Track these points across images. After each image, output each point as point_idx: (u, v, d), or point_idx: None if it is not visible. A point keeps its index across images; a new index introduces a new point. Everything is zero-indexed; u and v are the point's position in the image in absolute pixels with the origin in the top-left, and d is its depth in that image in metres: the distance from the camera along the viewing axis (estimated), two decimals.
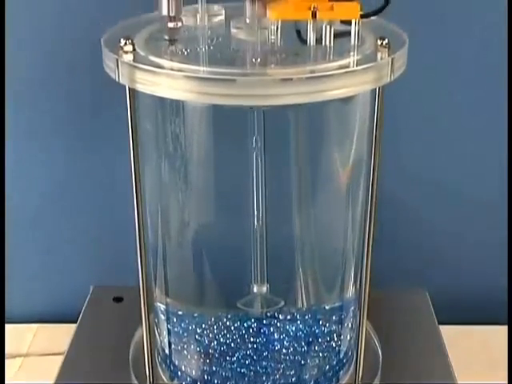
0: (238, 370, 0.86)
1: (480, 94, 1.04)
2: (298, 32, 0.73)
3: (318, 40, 0.71)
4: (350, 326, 0.89)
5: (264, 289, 0.88)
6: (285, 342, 0.87)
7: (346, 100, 0.76)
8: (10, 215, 1.01)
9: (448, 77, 1.03)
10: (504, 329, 0.94)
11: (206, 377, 0.87)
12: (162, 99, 0.73)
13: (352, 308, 0.89)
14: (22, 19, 0.98)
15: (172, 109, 0.78)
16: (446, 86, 1.03)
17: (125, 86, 0.70)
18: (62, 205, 1.10)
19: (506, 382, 0.89)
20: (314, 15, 0.69)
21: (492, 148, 1.06)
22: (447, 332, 0.98)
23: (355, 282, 0.87)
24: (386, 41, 0.69)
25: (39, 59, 1.01)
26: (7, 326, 0.93)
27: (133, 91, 0.70)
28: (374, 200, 0.77)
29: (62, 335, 1.03)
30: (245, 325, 0.88)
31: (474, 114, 1.05)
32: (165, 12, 0.72)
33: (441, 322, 1.00)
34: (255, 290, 0.88)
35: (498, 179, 1.07)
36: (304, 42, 0.72)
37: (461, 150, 1.07)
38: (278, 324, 0.88)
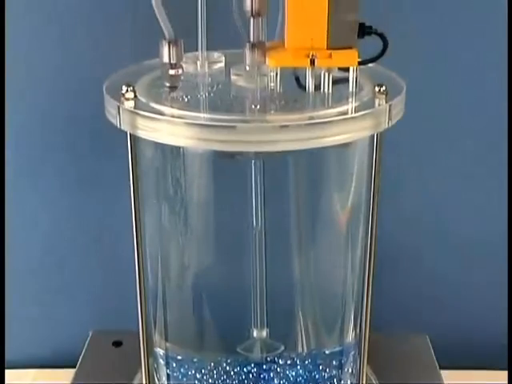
0: None
1: (479, 138, 1.05)
2: (297, 79, 0.74)
3: (317, 86, 0.72)
4: (350, 371, 0.89)
5: (264, 333, 0.88)
6: None
7: (345, 145, 0.76)
8: (10, 260, 1.01)
9: (447, 121, 1.03)
10: (504, 374, 0.94)
11: None
12: (162, 144, 0.73)
13: (352, 353, 0.88)
14: (22, 66, 0.99)
15: (173, 154, 0.79)
16: (445, 130, 1.04)
17: (126, 132, 0.71)
18: (62, 249, 1.10)
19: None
20: (312, 63, 0.70)
21: (492, 191, 1.07)
22: (448, 376, 0.98)
23: (355, 326, 0.87)
24: (384, 87, 0.70)
25: (40, 104, 1.02)
26: (6, 372, 0.92)
27: (134, 137, 0.71)
28: (373, 243, 0.77)
29: (61, 380, 1.02)
30: (245, 370, 0.87)
31: (474, 158, 1.06)
32: (166, 59, 0.73)
33: (442, 367, 0.99)
34: (255, 334, 0.88)
35: (498, 223, 1.07)
36: (303, 88, 0.73)
37: (461, 193, 1.08)
38: (278, 369, 0.87)
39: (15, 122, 1.01)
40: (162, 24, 0.73)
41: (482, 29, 0.99)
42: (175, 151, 0.78)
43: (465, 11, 0.99)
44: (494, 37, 0.99)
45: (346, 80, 0.72)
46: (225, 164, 0.78)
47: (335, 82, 0.72)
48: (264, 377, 0.87)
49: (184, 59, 0.75)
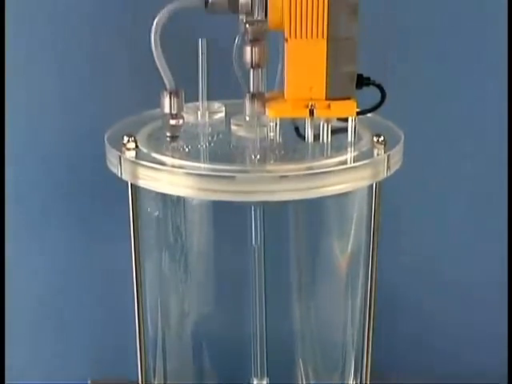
0: None
1: (477, 188, 1.05)
2: (297, 128, 0.75)
3: (316, 136, 0.73)
4: None
5: (264, 382, 0.87)
6: None
7: (344, 194, 0.77)
8: (9, 309, 1.01)
9: (445, 170, 1.04)
10: None
11: None
12: (163, 193, 0.74)
13: None
14: (22, 117, 1.00)
15: (173, 202, 0.79)
16: (444, 179, 1.05)
17: (126, 182, 0.72)
18: (61, 298, 1.10)
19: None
20: (311, 113, 0.71)
21: (491, 239, 1.07)
22: None
23: (355, 375, 0.86)
24: (382, 138, 0.71)
25: (40, 155, 1.02)
26: None
27: (135, 186, 0.72)
28: (373, 291, 0.77)
29: None
30: None
31: (473, 207, 1.07)
32: (167, 110, 0.74)
33: None
34: (255, 383, 0.87)
35: (497, 270, 1.07)
36: (302, 137, 0.74)
37: (460, 242, 1.08)
38: None
39: (16, 172, 1.02)
40: (163, 75, 0.74)
41: (479, 80, 1.01)
42: (175, 200, 0.79)
43: (461, 62, 1.01)
44: (491, 87, 1.01)
45: (345, 130, 0.73)
46: (225, 212, 0.79)
47: (334, 131, 0.73)
48: None
49: (185, 109, 0.76)
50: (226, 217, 0.79)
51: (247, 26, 0.72)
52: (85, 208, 1.04)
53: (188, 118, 0.78)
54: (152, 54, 0.73)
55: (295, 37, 0.70)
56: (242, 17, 0.72)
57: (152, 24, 0.72)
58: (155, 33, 0.72)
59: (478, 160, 1.04)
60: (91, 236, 1.06)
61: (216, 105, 0.81)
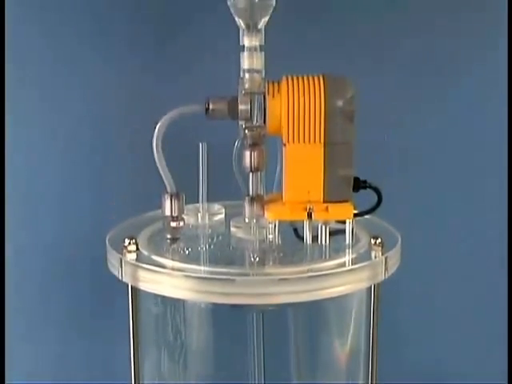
0: None
1: (477, 284, 1.06)
2: (295, 230, 0.76)
3: (314, 238, 0.74)
4: None
5: None
6: None
7: (343, 295, 0.78)
8: None
9: (444, 270, 1.05)
10: None
11: None
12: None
13: None
14: (21, 225, 1.02)
15: (173, 304, 0.79)
16: (443, 278, 1.06)
17: (127, 284, 0.72)
18: None
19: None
20: (309, 216, 0.73)
21: (493, 338, 1.07)
22: None
23: None
24: (380, 239, 0.72)
25: (40, 256, 1.03)
26: None
27: (135, 289, 0.72)
28: None
29: None
30: None
31: (473, 305, 1.07)
32: (168, 212, 0.75)
33: None
34: None
35: (498, 362, 1.06)
36: (301, 239, 0.75)
37: (460, 344, 1.08)
38: None
39: (15, 279, 1.02)
40: (164, 178, 0.76)
41: (477, 181, 1.04)
42: (175, 301, 0.79)
43: (458, 165, 1.03)
44: (489, 186, 1.03)
45: (343, 232, 0.74)
46: (225, 313, 0.79)
47: (332, 233, 0.74)
48: None
49: (185, 211, 0.77)
50: (226, 318, 0.79)
51: (246, 131, 0.74)
52: (84, 308, 1.04)
53: (188, 219, 0.79)
54: (153, 157, 0.75)
55: (293, 142, 0.72)
56: (242, 123, 0.74)
57: (153, 128, 0.75)
58: (157, 138, 0.74)
59: (477, 259, 1.04)
60: (90, 337, 1.05)
61: (216, 207, 0.83)
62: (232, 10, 0.74)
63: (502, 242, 1.03)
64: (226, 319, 0.79)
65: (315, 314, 0.80)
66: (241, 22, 0.75)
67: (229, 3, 0.74)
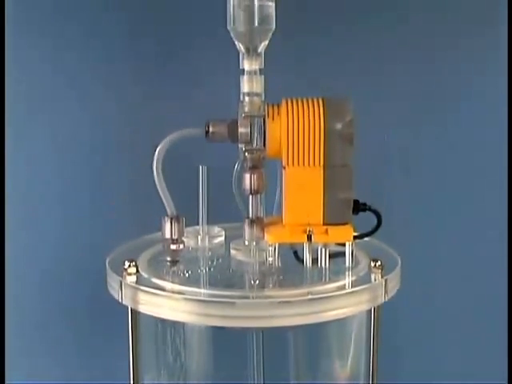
0: None
1: (477, 307, 1.06)
2: (295, 252, 0.76)
3: (314, 260, 0.74)
4: None
5: None
6: None
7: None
8: None
9: (444, 292, 1.05)
10: None
11: None
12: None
13: None
14: (21, 247, 1.02)
15: (173, 326, 0.79)
16: (443, 301, 1.06)
17: (127, 306, 0.72)
18: None
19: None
20: (309, 238, 0.73)
21: (494, 365, 1.06)
22: None
23: None
24: (379, 262, 0.72)
25: (38, 279, 1.03)
26: None
27: (135, 311, 0.72)
28: None
29: None
30: None
31: (473, 329, 1.07)
32: (168, 235, 0.75)
33: None
34: None
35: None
36: (301, 261, 0.75)
37: (461, 366, 1.08)
38: None
39: (14, 297, 1.02)
40: (164, 201, 0.76)
41: (477, 203, 1.04)
42: (176, 323, 0.79)
43: (458, 188, 1.04)
44: (489, 210, 1.03)
45: (343, 254, 0.74)
46: (224, 333, 0.79)
47: (332, 255, 0.74)
48: None
49: (185, 233, 0.77)
50: (225, 337, 0.79)
51: (246, 154, 0.75)
52: (83, 330, 1.04)
53: (188, 242, 0.80)
54: (153, 179, 0.75)
55: (293, 164, 0.72)
56: (242, 145, 0.74)
57: (154, 150, 0.75)
58: (157, 161, 0.75)
59: (476, 281, 1.04)
60: (89, 360, 1.05)
61: (216, 229, 0.83)
62: (232, 34, 0.75)
63: (503, 261, 1.03)
64: (226, 338, 0.78)
65: (315, 335, 0.80)
66: (241, 46, 0.75)
67: (229, 27, 0.75)
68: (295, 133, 0.71)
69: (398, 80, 1.02)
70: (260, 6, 0.74)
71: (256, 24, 0.74)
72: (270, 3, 0.75)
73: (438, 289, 1.05)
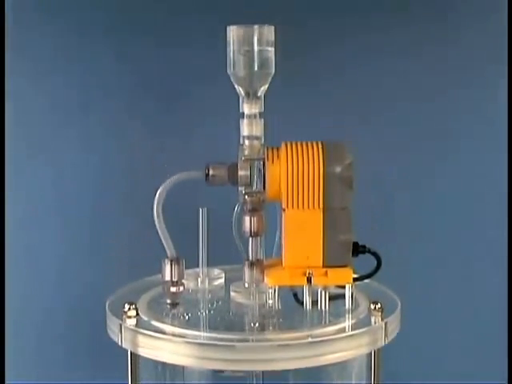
0: None
1: (476, 352, 1.06)
2: (295, 295, 0.76)
3: (314, 302, 0.74)
4: None
5: None
6: None
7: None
8: None
9: (444, 332, 1.05)
10: None
11: None
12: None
13: None
14: (20, 284, 1.02)
15: (173, 369, 0.79)
16: (443, 342, 1.06)
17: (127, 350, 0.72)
18: None
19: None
20: (309, 281, 0.73)
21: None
22: None
23: None
24: (379, 305, 0.72)
25: (37, 319, 1.03)
26: None
27: (135, 354, 0.72)
28: None
29: None
30: None
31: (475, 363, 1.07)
32: (168, 277, 0.75)
33: None
34: None
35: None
36: (301, 303, 0.75)
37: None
38: None
39: (13, 335, 1.01)
40: (164, 243, 0.76)
41: (476, 247, 1.05)
42: (176, 366, 0.78)
43: (455, 230, 1.04)
44: (486, 253, 1.04)
45: (343, 296, 0.74)
46: (225, 379, 0.78)
47: (332, 298, 0.75)
48: None
49: (185, 276, 0.77)
50: (226, 383, 0.79)
51: (246, 196, 0.75)
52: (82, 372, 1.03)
53: (188, 284, 0.80)
54: (153, 221, 0.75)
55: (292, 207, 0.73)
56: (242, 188, 0.75)
57: (154, 193, 0.75)
58: (157, 203, 0.75)
59: (475, 325, 1.04)
60: None
61: (216, 271, 0.83)
62: (232, 79, 0.76)
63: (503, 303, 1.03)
64: (226, 381, 0.78)
65: (315, 377, 0.79)
66: (241, 90, 0.76)
67: (229, 72, 0.76)
68: (295, 176, 0.72)
69: (398, 118, 1.03)
70: (260, 51, 0.75)
71: (256, 68, 0.75)
72: (270, 48, 0.76)
73: (437, 329, 1.04)
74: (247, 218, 0.75)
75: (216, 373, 0.77)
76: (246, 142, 0.76)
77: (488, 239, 1.04)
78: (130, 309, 0.72)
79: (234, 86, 0.76)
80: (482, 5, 1.03)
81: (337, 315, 0.73)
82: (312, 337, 0.68)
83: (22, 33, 0.99)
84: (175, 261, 0.75)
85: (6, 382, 0.87)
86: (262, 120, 0.77)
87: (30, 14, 1.00)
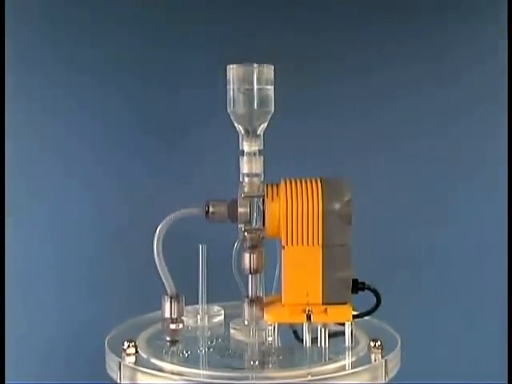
0: None
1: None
2: (295, 332, 0.76)
3: (314, 339, 0.74)
4: None
5: None
6: None
7: None
8: None
9: (445, 366, 1.04)
10: None
11: None
12: None
13: None
14: (21, 313, 1.02)
15: None
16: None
17: None
18: None
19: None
20: (308, 318, 0.73)
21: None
22: None
23: None
24: (379, 342, 0.72)
25: (38, 358, 1.03)
26: None
27: None
28: None
29: None
30: None
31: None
32: (167, 314, 0.75)
33: None
34: None
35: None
36: (300, 341, 0.74)
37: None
38: None
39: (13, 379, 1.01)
40: (164, 280, 0.76)
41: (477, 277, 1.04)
42: None
43: (456, 264, 1.04)
44: (484, 287, 1.04)
45: (343, 334, 0.74)
46: None
47: (332, 335, 0.74)
48: None
49: (185, 312, 0.77)
50: None
51: (246, 233, 0.75)
52: None
53: (188, 321, 0.79)
54: (153, 259, 0.76)
55: (292, 244, 0.73)
56: (241, 225, 0.75)
57: (154, 230, 0.76)
58: (157, 240, 0.75)
59: (475, 357, 1.04)
60: None
61: (215, 308, 0.83)
62: (232, 117, 0.77)
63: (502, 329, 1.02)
64: None
65: None
66: (240, 128, 0.77)
67: (229, 110, 0.77)
68: (294, 213, 0.72)
69: (398, 155, 1.04)
70: (259, 90, 0.76)
71: (255, 107, 0.76)
72: (269, 87, 0.77)
73: (438, 365, 1.04)
74: (247, 255, 0.76)
75: None
76: (246, 179, 0.77)
77: (488, 276, 1.04)
78: (129, 346, 0.72)
79: (233, 124, 0.77)
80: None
81: (337, 353, 0.73)
82: (312, 375, 0.67)
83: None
84: (175, 298, 0.75)
85: None
86: (262, 157, 0.77)
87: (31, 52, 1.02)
